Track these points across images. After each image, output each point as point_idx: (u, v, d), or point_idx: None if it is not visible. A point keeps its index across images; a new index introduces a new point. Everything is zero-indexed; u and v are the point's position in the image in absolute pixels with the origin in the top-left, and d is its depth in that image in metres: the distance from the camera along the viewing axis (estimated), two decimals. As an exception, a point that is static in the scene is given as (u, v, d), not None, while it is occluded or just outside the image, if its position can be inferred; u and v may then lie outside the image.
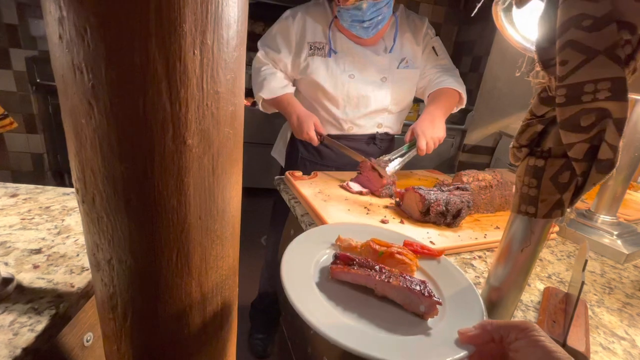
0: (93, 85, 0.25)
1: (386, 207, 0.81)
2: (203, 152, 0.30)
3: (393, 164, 0.88)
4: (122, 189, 0.28)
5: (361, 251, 0.50)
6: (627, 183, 0.79)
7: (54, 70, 0.27)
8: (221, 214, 0.35)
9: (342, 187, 0.88)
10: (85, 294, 0.44)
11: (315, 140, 1.02)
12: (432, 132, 0.95)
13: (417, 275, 0.48)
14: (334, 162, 1.17)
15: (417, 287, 0.39)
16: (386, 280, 0.41)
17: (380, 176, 0.86)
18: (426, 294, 0.39)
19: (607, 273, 0.68)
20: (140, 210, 0.29)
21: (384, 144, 1.20)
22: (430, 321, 0.39)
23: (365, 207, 0.79)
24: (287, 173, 0.93)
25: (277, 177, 0.99)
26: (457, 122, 2.62)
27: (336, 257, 0.45)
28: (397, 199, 0.82)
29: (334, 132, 1.14)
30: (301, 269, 0.44)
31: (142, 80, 0.25)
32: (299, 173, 0.94)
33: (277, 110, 1.13)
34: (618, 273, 0.69)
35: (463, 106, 1.14)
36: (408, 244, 0.53)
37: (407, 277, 0.41)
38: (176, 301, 0.34)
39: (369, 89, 1.07)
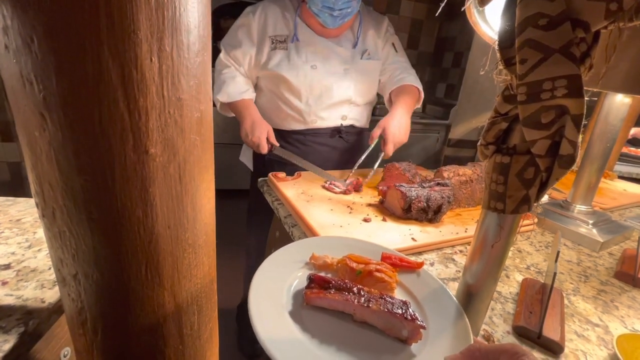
0: (44, 96, 0.24)
1: (369, 205, 0.82)
2: (168, 161, 0.30)
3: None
4: (83, 202, 0.27)
5: (338, 269, 0.48)
6: (600, 172, 0.81)
7: (4, 81, 0.26)
8: (192, 222, 0.34)
9: (324, 187, 0.88)
10: (57, 309, 0.43)
11: (264, 147, 1.01)
12: (399, 137, 1.01)
13: (397, 292, 0.46)
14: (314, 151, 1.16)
15: (399, 310, 0.37)
16: (365, 305, 0.38)
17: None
18: (408, 317, 0.37)
19: (583, 262, 0.71)
20: (103, 223, 0.28)
21: (351, 137, 1.20)
22: (414, 346, 0.37)
23: (348, 207, 0.79)
24: (270, 175, 0.93)
25: (260, 179, 0.98)
26: (441, 117, 2.65)
27: (310, 280, 0.42)
28: (381, 197, 0.83)
29: (298, 127, 1.13)
30: (272, 297, 0.41)
31: (96, 89, 0.24)
32: (282, 174, 0.94)
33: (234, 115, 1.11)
34: (593, 261, 0.71)
35: (420, 105, 1.18)
36: (386, 257, 0.51)
37: (387, 298, 0.40)
38: (149, 313, 0.34)
39: (331, 79, 1.07)
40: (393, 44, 1.16)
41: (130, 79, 0.25)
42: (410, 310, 0.38)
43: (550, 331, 0.45)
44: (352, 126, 1.18)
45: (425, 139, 2.63)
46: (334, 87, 1.08)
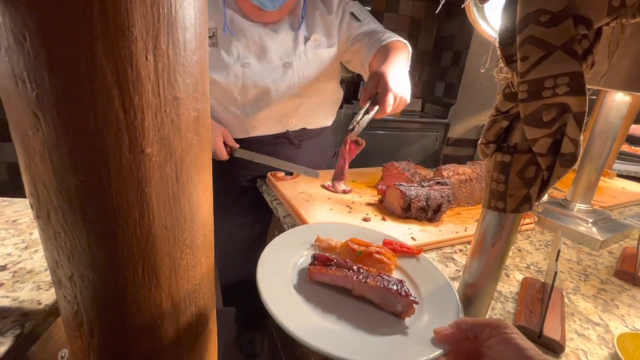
0: (37, 95, 0.24)
1: (369, 204, 0.81)
2: (164, 161, 0.29)
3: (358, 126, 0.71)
4: (78, 203, 0.27)
5: (340, 251, 0.50)
6: (600, 171, 0.81)
7: (-4, 80, 0.25)
8: (189, 222, 0.34)
9: (323, 187, 0.88)
10: (54, 310, 0.42)
11: (222, 152, 0.88)
12: (401, 89, 0.70)
13: (396, 274, 0.49)
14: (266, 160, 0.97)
15: (394, 287, 0.39)
16: (363, 281, 0.41)
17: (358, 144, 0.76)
18: (403, 293, 0.39)
19: (583, 260, 0.70)
20: (99, 224, 0.28)
21: (306, 142, 1.01)
22: (407, 320, 0.39)
23: (347, 206, 0.78)
24: (269, 174, 0.92)
25: (258, 178, 0.98)
26: (440, 116, 2.65)
27: (314, 258, 0.45)
28: (380, 196, 0.82)
29: (240, 135, 0.96)
30: (278, 271, 0.44)
31: (90, 88, 0.24)
32: (281, 174, 0.93)
33: None
34: (593, 259, 0.71)
35: (409, 61, 0.86)
36: (387, 243, 0.53)
37: (384, 276, 0.41)
38: (146, 315, 0.33)
39: (268, 79, 0.88)
40: (352, 13, 0.92)
41: (125, 77, 0.25)
42: (405, 287, 0.40)
43: (550, 330, 0.45)
44: (303, 130, 1.01)
45: (424, 137, 2.63)
46: (272, 89, 0.89)
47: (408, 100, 0.72)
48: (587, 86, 0.28)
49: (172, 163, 0.30)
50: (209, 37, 0.85)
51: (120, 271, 0.30)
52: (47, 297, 0.43)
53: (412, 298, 0.38)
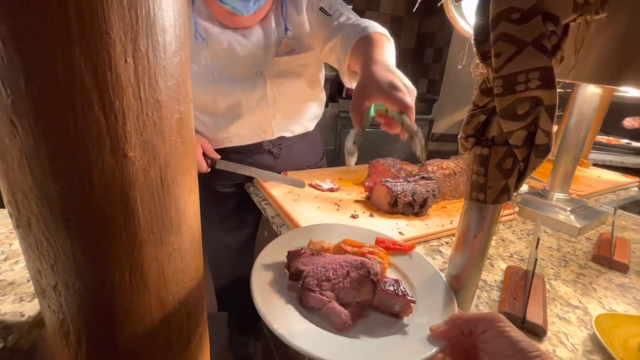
0: (13, 101, 0.23)
1: (356, 201, 0.82)
2: (148, 164, 0.29)
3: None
4: (60, 210, 0.26)
5: (333, 252, 0.50)
6: (576, 161, 0.85)
7: (-32, 86, 0.25)
8: (176, 226, 0.33)
9: (311, 186, 0.88)
10: (38, 321, 0.41)
11: (202, 165, 0.84)
12: (403, 80, 0.56)
13: (390, 272, 0.49)
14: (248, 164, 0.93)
15: (391, 288, 0.40)
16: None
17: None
18: (400, 293, 0.39)
19: (562, 247, 0.73)
20: (83, 231, 0.27)
21: (289, 149, 0.98)
22: (405, 319, 0.40)
23: (335, 204, 0.79)
24: (256, 175, 0.92)
25: (247, 181, 0.97)
26: (424, 112, 2.69)
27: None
28: (367, 193, 0.83)
29: (216, 146, 0.92)
30: (272, 276, 0.44)
31: (69, 93, 0.24)
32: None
33: None
34: (572, 246, 0.74)
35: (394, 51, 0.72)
36: (380, 241, 0.54)
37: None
38: (135, 320, 0.33)
39: (237, 91, 0.83)
40: (322, 9, 0.82)
41: (105, 81, 0.25)
42: (402, 287, 0.40)
43: (533, 316, 0.47)
44: (282, 138, 0.96)
45: (409, 134, 2.67)
46: (242, 101, 0.85)
47: (414, 88, 0.57)
48: (558, 80, 0.29)
49: (156, 166, 0.30)
50: None
51: (107, 277, 0.30)
52: (31, 308, 0.42)
53: (409, 298, 0.39)
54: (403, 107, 0.51)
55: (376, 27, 0.74)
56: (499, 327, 0.29)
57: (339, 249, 0.50)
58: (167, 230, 0.33)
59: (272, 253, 0.48)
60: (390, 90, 0.52)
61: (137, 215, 0.29)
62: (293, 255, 0.45)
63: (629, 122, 1.89)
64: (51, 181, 0.26)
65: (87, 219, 0.27)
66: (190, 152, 0.34)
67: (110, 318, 0.32)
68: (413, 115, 0.52)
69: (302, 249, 0.46)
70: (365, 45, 0.68)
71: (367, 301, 0.41)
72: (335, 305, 0.39)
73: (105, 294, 0.31)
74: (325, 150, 1.18)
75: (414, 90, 0.56)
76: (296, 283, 0.42)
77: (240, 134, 0.91)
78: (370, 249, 0.49)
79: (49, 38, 0.22)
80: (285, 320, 0.37)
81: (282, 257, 0.47)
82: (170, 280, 0.35)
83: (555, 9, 0.27)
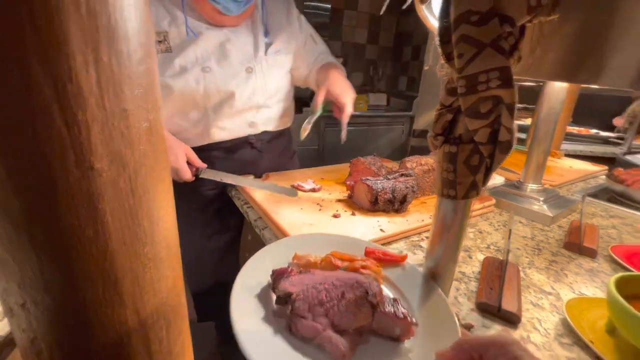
0: (-34, 116, 0.22)
1: (338, 200, 0.83)
2: (117, 175, 0.28)
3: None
4: (24, 226, 0.26)
5: (322, 267, 0.47)
6: (547, 153, 0.88)
7: None
8: (150, 236, 0.33)
9: (293, 187, 0.88)
10: (9, 341, 0.40)
11: (185, 172, 0.83)
12: (349, 91, 0.92)
13: (384, 288, 0.46)
14: (228, 169, 0.94)
15: (391, 309, 0.37)
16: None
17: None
18: (401, 315, 0.36)
19: (536, 236, 0.76)
20: (50, 246, 0.27)
21: (268, 145, 1.03)
22: (407, 343, 0.37)
23: (317, 204, 0.80)
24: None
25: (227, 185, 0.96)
26: (404, 109, 2.74)
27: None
28: (349, 192, 0.84)
29: (198, 143, 0.93)
30: (256, 301, 0.40)
31: (27, 105, 0.23)
32: (250, 177, 0.92)
33: None
34: (545, 235, 0.77)
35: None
36: (370, 252, 0.52)
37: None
38: (111, 334, 0.32)
39: (231, 83, 0.88)
40: (312, 36, 1.04)
41: (65, 92, 0.24)
42: (401, 308, 0.37)
43: (508, 304, 0.49)
44: (265, 132, 1.01)
45: (390, 131, 2.70)
46: (236, 93, 0.89)
47: (353, 93, 0.94)
48: (519, 78, 0.31)
49: (125, 177, 0.29)
50: (159, 41, 0.83)
51: (79, 292, 0.29)
52: (1, 328, 0.40)
53: (411, 320, 0.36)
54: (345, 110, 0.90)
55: (335, 60, 1.06)
56: (513, 351, 0.27)
57: (328, 264, 0.46)
58: (140, 241, 0.32)
59: (254, 271, 0.44)
60: (345, 98, 0.90)
61: (107, 227, 0.29)
62: (278, 275, 0.41)
63: (617, 121, 1.99)
64: (13, 197, 0.25)
65: (53, 233, 0.26)
66: (162, 160, 0.34)
67: (84, 332, 0.31)
68: (347, 111, 0.91)
69: (288, 267, 0.42)
70: (328, 66, 1.00)
71: (366, 326, 0.37)
72: (331, 333, 0.35)
73: (77, 309, 0.30)
74: (308, 150, 1.25)
75: (352, 94, 0.94)
76: (284, 307, 0.38)
77: (227, 127, 0.94)
78: (363, 263, 0.46)
79: (3, 50, 0.22)
80: (275, 357, 0.33)
81: (265, 277, 0.43)
82: (147, 290, 0.34)
83: (511, 10, 0.29)
